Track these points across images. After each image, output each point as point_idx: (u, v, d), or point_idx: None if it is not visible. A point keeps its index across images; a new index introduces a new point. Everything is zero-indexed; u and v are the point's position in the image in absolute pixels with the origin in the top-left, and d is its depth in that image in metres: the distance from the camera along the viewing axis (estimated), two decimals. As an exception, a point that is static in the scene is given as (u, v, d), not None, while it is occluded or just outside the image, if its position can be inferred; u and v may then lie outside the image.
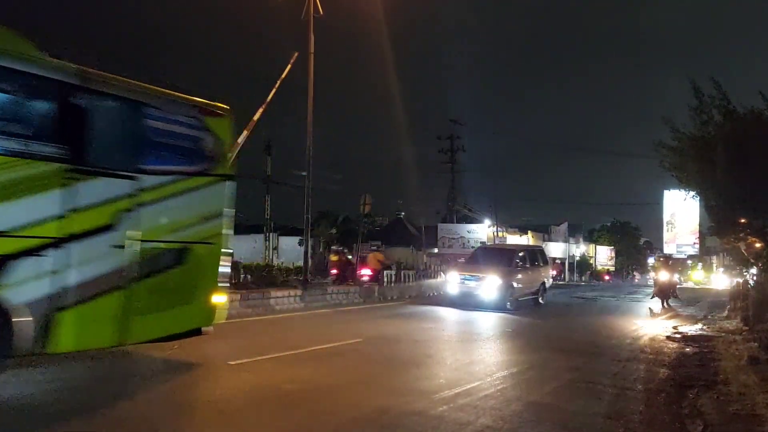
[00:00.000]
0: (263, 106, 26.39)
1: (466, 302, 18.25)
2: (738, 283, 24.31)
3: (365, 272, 25.61)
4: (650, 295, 23.65)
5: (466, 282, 18.70)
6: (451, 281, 19.41)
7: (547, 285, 21.87)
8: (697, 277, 61.74)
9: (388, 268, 28.50)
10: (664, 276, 22.56)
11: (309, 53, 19.93)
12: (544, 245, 62.96)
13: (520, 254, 20.30)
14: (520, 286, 19.00)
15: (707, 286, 51.24)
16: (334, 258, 28.02)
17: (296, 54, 22.40)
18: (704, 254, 65.80)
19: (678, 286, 35.92)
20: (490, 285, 18.00)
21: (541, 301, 20.68)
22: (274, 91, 25.52)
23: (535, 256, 21.49)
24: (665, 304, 21.87)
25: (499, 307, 17.69)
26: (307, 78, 20.13)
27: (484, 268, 18.77)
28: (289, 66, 23.02)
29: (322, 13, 20.11)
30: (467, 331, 14.46)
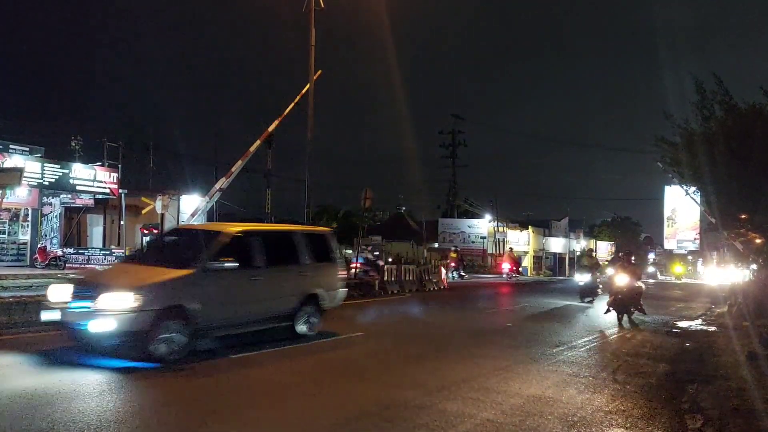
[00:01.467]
0: (260, 140, 26.58)
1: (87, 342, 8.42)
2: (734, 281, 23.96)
3: (505, 266, 36.54)
4: (605, 309, 15.47)
5: (74, 304, 8.35)
6: (53, 299, 8.63)
7: (328, 299, 11.47)
8: (678, 271, 61.66)
9: (517, 263, 39.79)
10: (621, 280, 14.89)
11: (310, 46, 19.87)
12: (544, 240, 63.17)
13: (229, 242, 9.67)
14: (221, 306, 9.33)
15: (698, 282, 50.65)
16: (512, 255, 38.48)
17: (320, 72, 22.52)
18: (705, 249, 65.77)
19: (657, 279, 33.95)
20: (107, 309, 8.01)
21: (305, 329, 10.80)
22: (276, 123, 25.71)
23: (289, 246, 11.04)
24: (623, 322, 14.80)
25: (139, 354, 8.18)
26: (308, 71, 20.05)
27: (122, 276, 9.28)
28: (311, 81, 23.15)
29: (323, 6, 20.03)
30: None
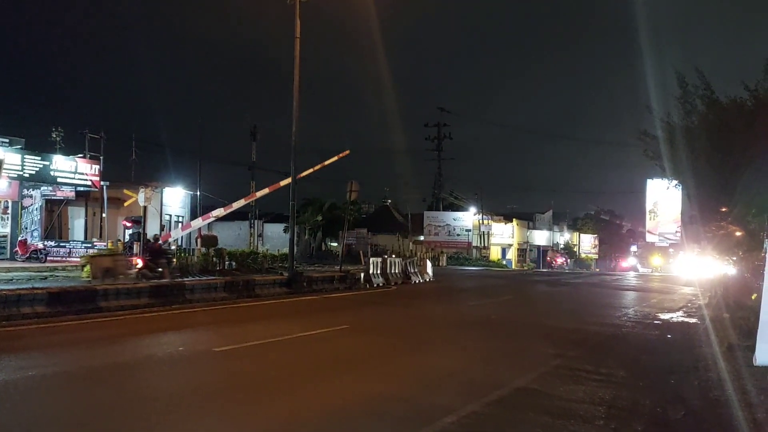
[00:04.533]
0: (269, 189, 27.00)
1: None
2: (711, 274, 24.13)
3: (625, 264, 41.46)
4: None
5: None
6: None
7: None
8: (656, 263, 62.98)
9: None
10: None
11: (295, 38, 19.70)
12: (528, 233, 63.52)
13: None
14: None
15: (675, 274, 50.94)
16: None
17: (347, 152, 23.23)
18: (687, 242, 66.62)
19: (639, 272, 36.64)
20: None
21: None
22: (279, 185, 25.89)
23: None
24: None
25: None
26: (293, 63, 19.88)
27: None
28: (335, 158, 23.88)
29: (308, -3, 19.83)
30: None
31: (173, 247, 24.71)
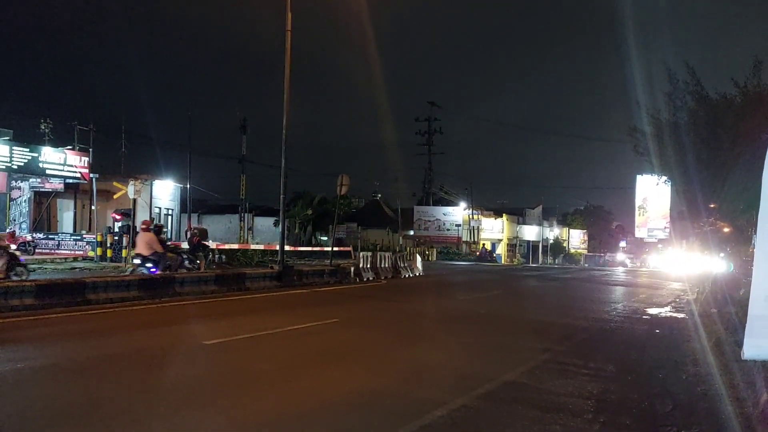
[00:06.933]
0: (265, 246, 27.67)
1: None
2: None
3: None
4: None
5: None
6: None
7: None
8: (644, 258, 63.77)
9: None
10: None
11: (286, 30, 19.61)
12: (518, 228, 63.73)
13: None
14: None
15: (664, 270, 51.19)
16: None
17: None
18: (676, 238, 67.05)
19: (628, 267, 37.00)
20: None
21: None
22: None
23: None
24: None
25: None
26: (284, 56, 19.79)
27: None
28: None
29: (300, -10, 19.74)
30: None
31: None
